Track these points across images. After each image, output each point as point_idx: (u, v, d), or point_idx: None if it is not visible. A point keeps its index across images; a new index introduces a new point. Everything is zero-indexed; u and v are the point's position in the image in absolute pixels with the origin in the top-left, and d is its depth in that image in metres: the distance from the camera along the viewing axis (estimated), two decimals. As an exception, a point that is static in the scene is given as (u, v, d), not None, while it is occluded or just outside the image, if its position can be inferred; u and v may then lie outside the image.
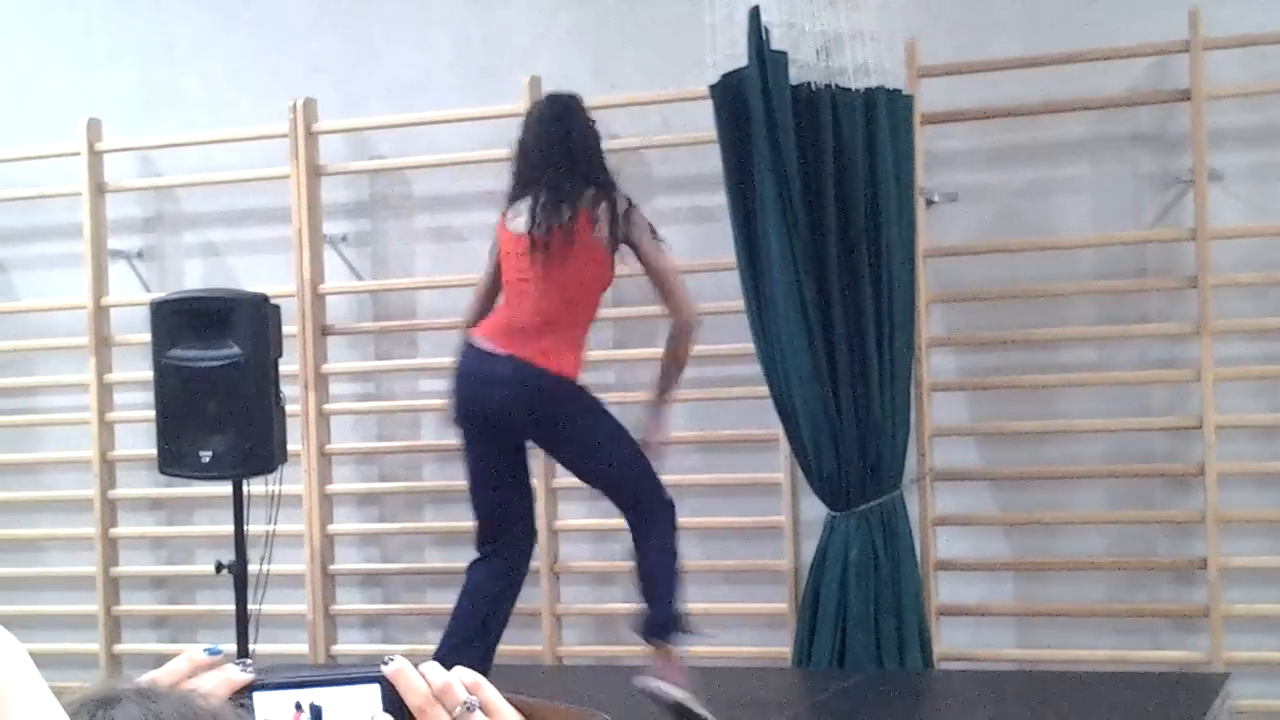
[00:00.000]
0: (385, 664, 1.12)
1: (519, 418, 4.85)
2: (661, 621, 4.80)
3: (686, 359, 4.97)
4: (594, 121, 5.00)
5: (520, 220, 4.88)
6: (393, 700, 1.11)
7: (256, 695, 1.11)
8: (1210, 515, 5.29)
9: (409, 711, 1.11)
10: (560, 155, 4.85)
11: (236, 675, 1.12)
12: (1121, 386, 5.54)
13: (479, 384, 4.87)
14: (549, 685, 5.40)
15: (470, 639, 4.93)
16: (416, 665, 1.13)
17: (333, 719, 1.11)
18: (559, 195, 4.81)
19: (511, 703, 1.14)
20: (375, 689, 1.11)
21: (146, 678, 1.09)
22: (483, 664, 4.83)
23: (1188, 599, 5.44)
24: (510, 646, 5.74)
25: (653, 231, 4.90)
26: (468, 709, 1.11)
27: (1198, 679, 5.09)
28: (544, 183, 4.85)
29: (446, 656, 4.75)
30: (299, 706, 1.11)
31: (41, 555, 6.75)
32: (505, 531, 5.02)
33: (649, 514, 4.90)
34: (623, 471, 4.91)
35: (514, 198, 4.94)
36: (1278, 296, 5.39)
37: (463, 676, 1.13)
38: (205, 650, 1.14)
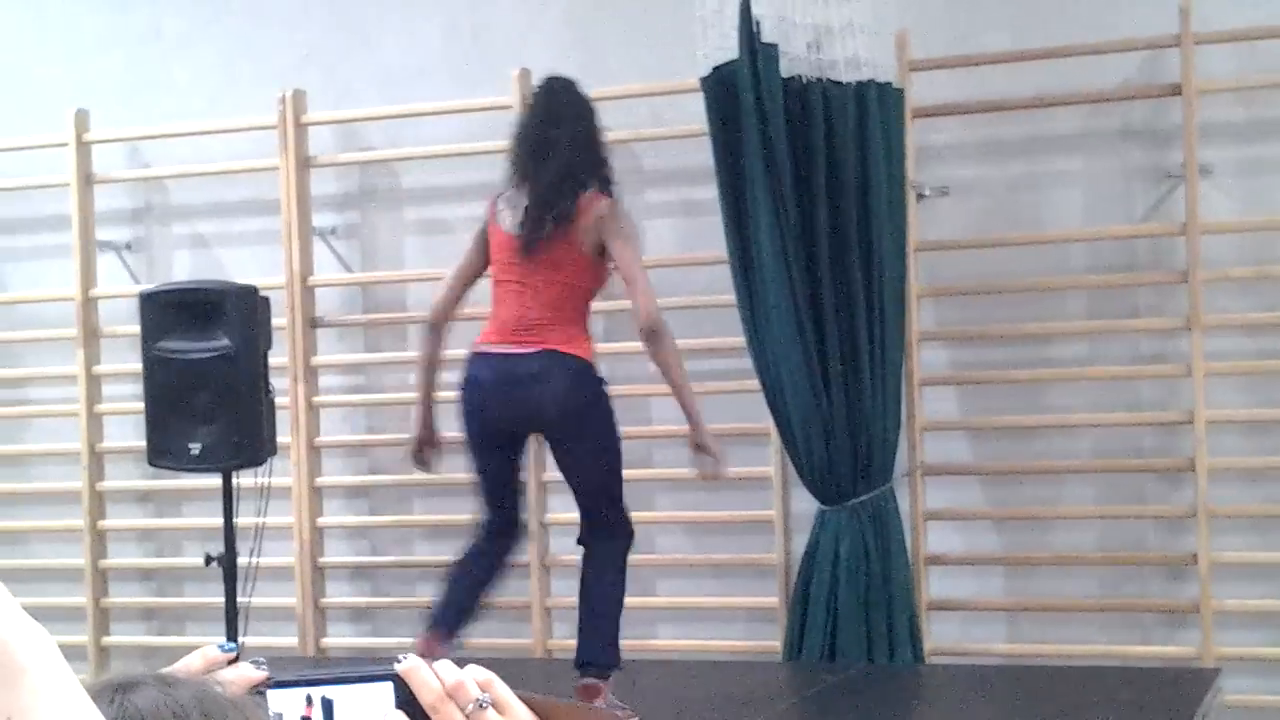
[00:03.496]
0: (398, 662, 1.11)
1: (549, 412, 4.73)
2: (601, 652, 4.76)
3: (668, 363, 4.82)
4: (588, 105, 4.91)
5: (509, 217, 4.83)
6: (406, 698, 1.11)
7: (270, 692, 1.11)
8: (1201, 510, 5.30)
9: (422, 709, 1.11)
10: (551, 150, 4.77)
11: (252, 673, 1.12)
12: (1112, 381, 5.55)
13: (505, 387, 4.74)
14: (538, 678, 5.39)
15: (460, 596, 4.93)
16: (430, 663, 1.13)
17: (345, 716, 1.10)
18: (547, 201, 4.74)
19: (524, 700, 1.14)
20: (388, 687, 1.11)
21: (163, 672, 1.08)
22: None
23: (1178, 594, 5.45)
24: (500, 640, 5.76)
25: (627, 228, 4.82)
26: (480, 706, 1.11)
27: (1188, 674, 5.10)
28: (533, 183, 4.77)
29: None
30: (310, 701, 1.10)
31: (30, 547, 6.73)
32: (510, 517, 4.99)
33: (612, 535, 4.88)
34: (613, 482, 4.86)
35: (507, 188, 4.89)
36: (1268, 291, 5.40)
37: (475, 674, 1.13)
38: (220, 647, 1.14)
